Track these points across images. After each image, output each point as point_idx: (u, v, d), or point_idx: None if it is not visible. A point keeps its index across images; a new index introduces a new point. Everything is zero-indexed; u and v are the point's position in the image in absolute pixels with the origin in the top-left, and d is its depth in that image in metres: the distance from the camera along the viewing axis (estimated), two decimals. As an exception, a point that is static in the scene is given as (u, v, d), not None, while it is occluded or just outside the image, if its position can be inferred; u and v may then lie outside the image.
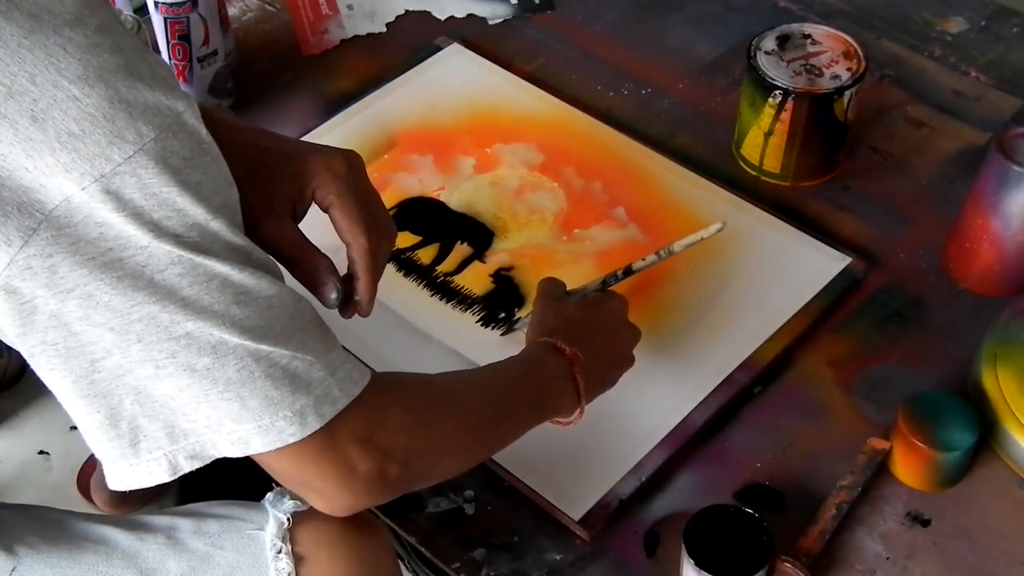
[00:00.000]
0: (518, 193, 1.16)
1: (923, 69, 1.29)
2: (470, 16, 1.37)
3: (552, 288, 0.93)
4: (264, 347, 0.63)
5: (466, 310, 1.05)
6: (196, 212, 0.61)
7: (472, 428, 0.77)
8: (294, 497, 0.77)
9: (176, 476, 0.65)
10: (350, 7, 1.38)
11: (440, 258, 1.10)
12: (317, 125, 1.22)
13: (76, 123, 0.58)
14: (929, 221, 1.13)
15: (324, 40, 1.35)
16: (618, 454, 0.94)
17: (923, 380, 0.99)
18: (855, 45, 1.13)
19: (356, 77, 1.30)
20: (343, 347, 0.70)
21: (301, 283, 0.77)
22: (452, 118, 1.23)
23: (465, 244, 1.11)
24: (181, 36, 1.17)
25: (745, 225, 1.11)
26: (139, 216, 0.59)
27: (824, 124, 1.12)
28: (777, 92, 1.10)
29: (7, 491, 1.18)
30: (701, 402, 0.97)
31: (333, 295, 0.77)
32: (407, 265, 1.09)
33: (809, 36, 1.14)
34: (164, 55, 1.18)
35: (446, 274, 1.09)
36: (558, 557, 0.89)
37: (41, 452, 1.21)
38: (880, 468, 0.93)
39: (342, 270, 0.79)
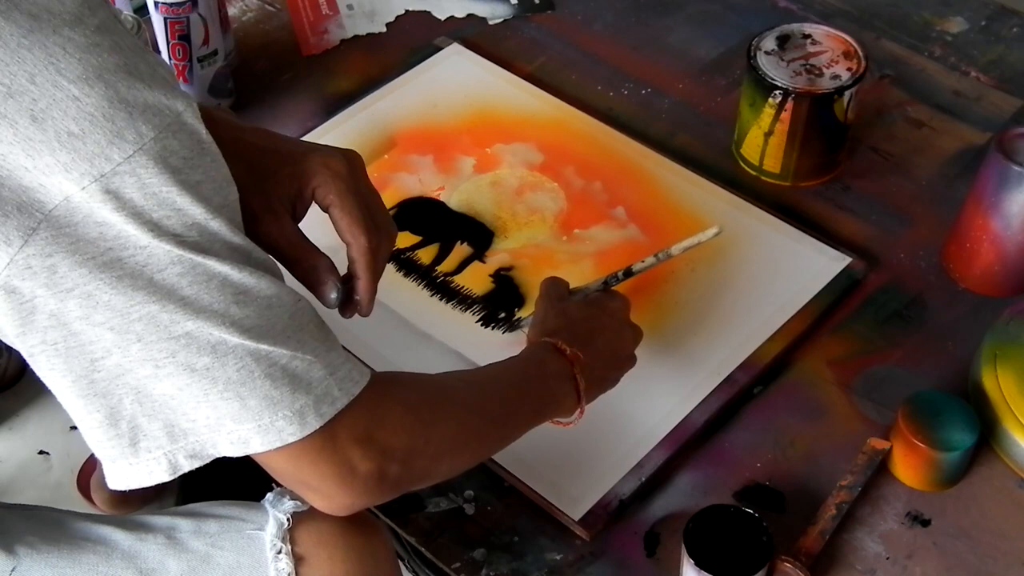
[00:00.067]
0: (518, 193, 1.16)
1: (923, 69, 1.29)
2: (470, 16, 1.37)
3: (554, 288, 0.93)
4: (264, 347, 0.63)
5: (466, 310, 1.05)
6: (196, 212, 0.61)
7: (472, 428, 0.77)
8: (294, 497, 0.77)
9: (176, 475, 0.65)
10: (350, 7, 1.38)
11: (440, 258, 1.10)
12: (317, 125, 1.23)
13: (76, 123, 0.58)
14: (929, 221, 1.13)
15: (324, 40, 1.35)
16: (618, 454, 0.94)
17: (923, 380, 0.99)
18: (855, 45, 1.13)
19: (356, 77, 1.30)
20: (343, 347, 0.70)
21: (301, 283, 0.77)
22: (452, 118, 1.23)
23: (465, 244, 1.11)
24: (181, 36, 1.17)
25: (745, 225, 1.11)
26: (139, 216, 0.59)
27: (824, 124, 1.12)
28: (777, 92, 1.10)
29: (7, 491, 1.18)
30: (701, 402, 0.97)
31: (333, 295, 0.77)
32: (407, 265, 1.09)
33: (809, 36, 1.14)
34: (164, 55, 1.18)
35: (446, 274, 1.09)
36: (558, 557, 0.89)
37: (41, 452, 1.21)
38: (880, 468, 0.93)
39: (342, 270, 0.79)
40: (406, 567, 1.06)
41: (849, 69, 1.11)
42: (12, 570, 0.73)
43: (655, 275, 1.04)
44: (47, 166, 0.57)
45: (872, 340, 1.03)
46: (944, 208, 1.13)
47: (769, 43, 1.13)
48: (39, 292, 0.59)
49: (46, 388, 0.64)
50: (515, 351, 0.86)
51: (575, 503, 0.91)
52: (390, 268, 1.07)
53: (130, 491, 0.66)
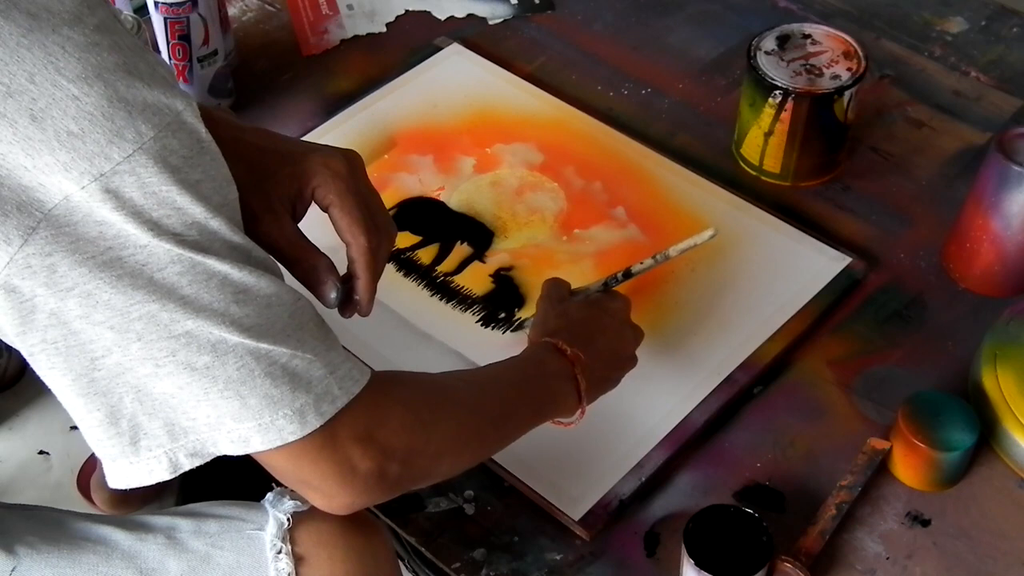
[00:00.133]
0: (518, 193, 1.16)
1: (923, 69, 1.29)
2: (470, 16, 1.37)
3: (556, 289, 0.94)
4: (264, 345, 0.63)
5: (466, 310, 1.05)
6: (195, 211, 0.61)
7: (473, 428, 0.77)
8: (294, 497, 0.77)
9: (176, 474, 0.65)
10: (350, 7, 1.38)
11: (440, 258, 1.10)
12: (317, 125, 1.23)
13: (75, 122, 0.58)
14: (929, 221, 1.13)
15: (324, 40, 1.35)
16: (618, 454, 0.94)
17: (923, 380, 0.99)
18: (855, 45, 1.13)
19: (356, 77, 1.30)
20: (343, 346, 0.70)
21: (301, 282, 0.77)
22: (452, 118, 1.23)
23: (465, 244, 1.11)
24: (181, 36, 1.17)
25: (745, 225, 1.11)
26: (138, 215, 0.59)
27: (824, 124, 1.12)
28: (777, 92, 1.10)
29: (7, 491, 1.18)
30: (701, 402, 0.97)
31: (333, 294, 0.77)
32: (407, 265, 1.09)
33: (809, 36, 1.14)
34: (164, 55, 1.18)
35: (446, 274, 1.09)
36: (558, 557, 0.89)
37: (41, 452, 1.21)
38: (880, 468, 0.93)
39: (342, 270, 0.79)
40: (406, 567, 1.06)
41: (849, 69, 1.11)
42: (12, 570, 0.73)
43: (655, 275, 1.04)
44: (47, 165, 0.57)
45: (872, 340, 1.03)
46: (944, 208, 1.13)
47: (769, 43, 1.13)
48: (39, 291, 0.59)
49: (46, 388, 0.64)
50: (515, 351, 0.86)
51: (575, 503, 0.91)
52: (390, 268, 1.07)
53: (130, 491, 0.66)
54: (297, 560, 0.76)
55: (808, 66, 1.11)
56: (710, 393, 0.98)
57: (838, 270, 1.07)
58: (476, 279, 1.08)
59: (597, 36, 1.35)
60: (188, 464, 0.65)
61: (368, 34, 1.36)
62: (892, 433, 0.93)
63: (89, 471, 1.18)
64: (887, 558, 0.89)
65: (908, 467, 0.92)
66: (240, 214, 0.66)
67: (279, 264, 0.72)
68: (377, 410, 0.69)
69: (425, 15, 1.38)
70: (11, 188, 0.57)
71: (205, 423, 0.64)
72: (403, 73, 1.28)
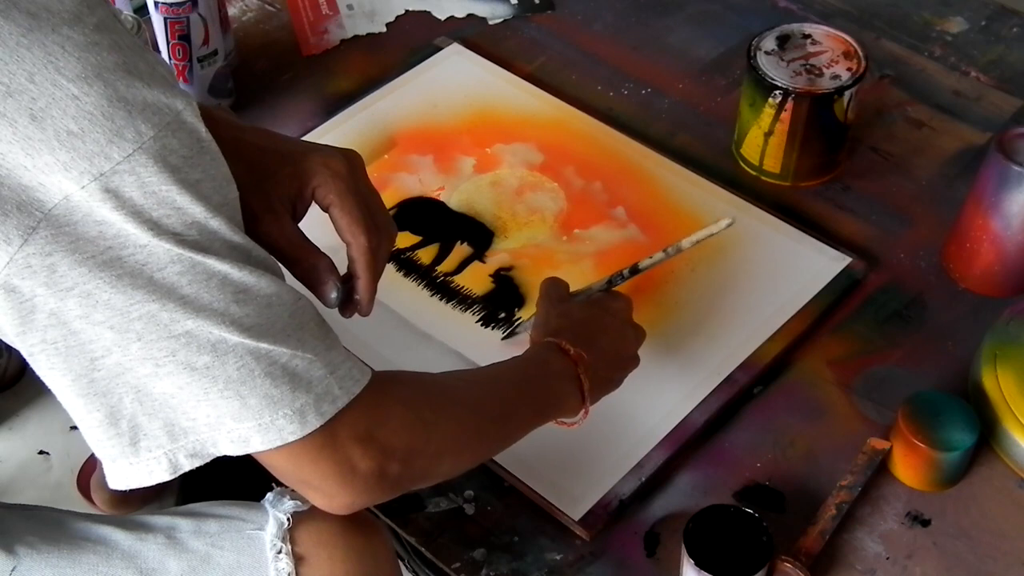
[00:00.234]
0: (518, 193, 1.16)
1: (923, 69, 1.29)
2: (470, 16, 1.37)
3: (555, 289, 0.93)
4: (264, 345, 0.63)
5: (466, 310, 1.05)
6: (195, 210, 0.61)
7: (474, 428, 0.77)
8: (294, 497, 0.77)
9: (176, 475, 0.65)
10: (350, 7, 1.38)
11: (440, 258, 1.10)
12: (317, 125, 1.23)
13: (75, 121, 0.58)
14: (929, 221, 1.13)
15: (324, 40, 1.35)
16: (618, 454, 0.94)
17: (923, 380, 0.99)
18: (855, 45, 1.13)
19: (356, 77, 1.30)
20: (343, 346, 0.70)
21: (301, 282, 0.77)
22: (452, 118, 1.23)
23: (465, 244, 1.11)
24: (181, 36, 1.17)
25: (745, 225, 1.11)
26: (138, 214, 0.59)
27: (824, 124, 1.12)
28: (777, 92, 1.10)
29: (7, 491, 1.17)
30: (701, 402, 0.97)
31: (333, 294, 0.77)
32: (407, 265, 1.09)
33: (809, 36, 1.14)
34: (164, 55, 1.18)
35: (446, 274, 1.09)
36: (558, 557, 0.89)
37: (41, 452, 1.21)
38: (880, 468, 0.93)
39: (342, 269, 0.79)
40: (406, 567, 1.06)
41: (849, 69, 1.11)
42: (12, 570, 0.73)
43: (655, 275, 1.04)
44: (46, 165, 0.57)
45: (872, 340, 1.03)
46: (944, 208, 1.13)
47: (769, 43, 1.13)
48: (39, 291, 0.59)
49: (46, 388, 0.64)
50: (515, 352, 0.86)
51: (575, 503, 0.91)
52: (390, 268, 1.07)
53: (130, 491, 0.66)
54: (297, 560, 0.76)
55: (808, 66, 1.11)
56: (710, 393, 0.98)
57: (838, 270, 1.07)
58: (476, 279, 1.08)
59: (597, 36, 1.35)
60: (188, 465, 0.65)
61: (368, 34, 1.36)
62: (892, 433, 0.93)
63: (89, 471, 1.18)
64: (887, 558, 0.88)
65: (908, 467, 0.92)
66: (240, 214, 0.66)
67: (279, 264, 0.72)
68: (377, 410, 0.69)
69: (425, 15, 1.38)
70: (11, 188, 0.57)
71: (205, 423, 0.64)
72: (403, 73, 1.28)
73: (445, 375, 0.80)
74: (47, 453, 1.21)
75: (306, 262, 0.77)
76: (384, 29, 1.36)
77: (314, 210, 0.80)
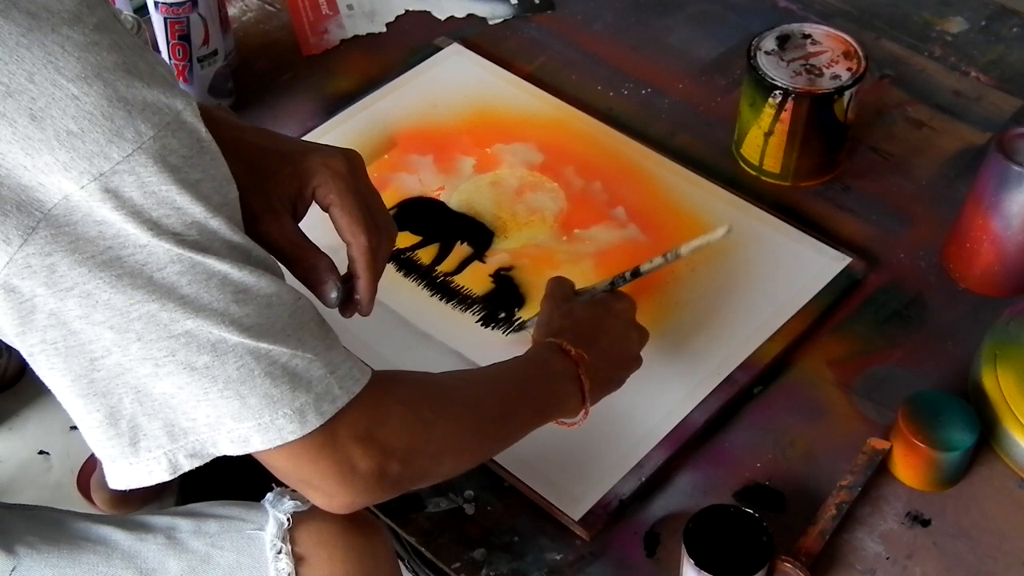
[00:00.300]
0: (518, 193, 1.16)
1: (923, 69, 1.29)
2: (470, 16, 1.37)
3: (560, 289, 0.93)
4: (264, 345, 0.63)
5: (466, 310, 1.05)
6: (195, 210, 0.61)
7: (474, 427, 0.77)
8: (294, 497, 0.77)
9: (176, 475, 0.65)
10: (350, 7, 1.38)
11: (440, 258, 1.10)
12: (317, 125, 1.23)
13: (75, 121, 0.58)
14: (929, 221, 1.13)
15: (324, 40, 1.35)
16: (618, 454, 0.94)
17: (923, 380, 0.99)
18: (855, 45, 1.13)
19: (356, 77, 1.30)
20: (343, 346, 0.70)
21: (301, 282, 0.77)
22: (452, 118, 1.23)
23: (465, 244, 1.11)
24: (181, 36, 1.17)
25: (745, 225, 1.11)
26: (138, 214, 0.59)
27: (824, 124, 1.12)
28: (777, 92, 1.10)
29: (7, 491, 1.18)
30: (701, 402, 0.97)
31: (333, 294, 0.77)
32: (407, 265, 1.09)
33: (809, 36, 1.14)
34: (164, 55, 1.18)
35: (446, 274, 1.09)
36: (558, 557, 0.89)
37: (41, 452, 1.21)
38: (880, 468, 0.93)
39: (342, 270, 0.79)
40: (406, 567, 1.06)
41: (849, 69, 1.11)
42: (12, 570, 0.73)
43: (655, 275, 1.03)
44: (46, 165, 0.57)
45: (872, 340, 1.03)
46: (944, 208, 1.12)
47: (769, 43, 1.13)
48: (38, 291, 0.59)
49: (46, 388, 0.64)
50: (515, 351, 0.86)
51: (575, 503, 0.91)
52: (390, 268, 1.07)
53: (130, 491, 0.66)
54: (297, 560, 0.76)
55: (808, 66, 1.11)
56: (710, 393, 0.98)
57: (838, 270, 1.07)
58: (476, 279, 1.08)
59: (597, 36, 1.35)
60: (188, 465, 0.65)
61: (368, 34, 1.36)
62: (892, 433, 0.93)
63: (89, 471, 1.18)
64: (887, 558, 0.88)
65: (908, 467, 0.92)
66: (240, 213, 0.66)
67: (279, 264, 0.72)
68: (378, 409, 0.69)
69: (425, 15, 1.38)
70: (11, 188, 0.57)
71: (205, 423, 0.64)
72: (403, 73, 1.28)
73: (445, 375, 0.80)
74: (47, 453, 1.21)
75: (306, 262, 0.77)
76: (384, 29, 1.36)
77: (314, 210, 0.80)
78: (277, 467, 0.68)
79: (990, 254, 1.03)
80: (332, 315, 0.76)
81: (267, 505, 0.78)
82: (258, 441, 0.64)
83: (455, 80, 1.27)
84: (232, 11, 1.36)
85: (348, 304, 0.80)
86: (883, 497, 0.92)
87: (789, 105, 1.10)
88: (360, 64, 1.32)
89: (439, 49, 1.31)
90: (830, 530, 0.88)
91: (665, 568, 0.88)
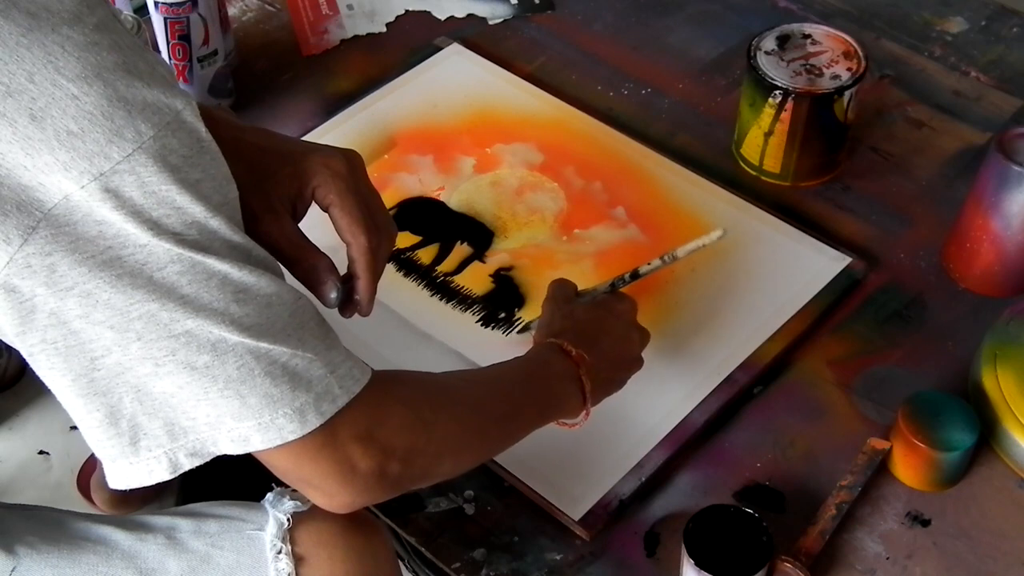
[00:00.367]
0: (518, 193, 1.16)
1: (923, 69, 1.29)
2: (470, 16, 1.37)
3: (561, 290, 0.94)
4: (264, 345, 0.63)
5: (466, 310, 1.05)
6: (195, 210, 0.61)
7: (475, 428, 0.77)
8: (294, 497, 0.77)
9: (176, 474, 0.65)
10: (350, 7, 1.38)
11: (440, 258, 1.10)
12: (317, 125, 1.23)
13: (75, 121, 0.58)
14: (929, 221, 1.13)
15: (324, 40, 1.35)
16: (618, 454, 0.94)
17: (923, 380, 0.99)
18: (855, 45, 1.13)
19: (356, 77, 1.30)
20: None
21: (301, 282, 0.77)
22: (452, 118, 1.23)
23: (465, 244, 1.11)
24: (181, 36, 1.17)
25: (745, 225, 1.11)
26: (138, 214, 0.59)
27: (824, 124, 1.12)
28: (777, 92, 1.10)
29: (7, 491, 1.17)
30: (701, 402, 0.97)
31: (333, 294, 0.77)
32: (407, 265, 1.09)
33: (809, 36, 1.14)
34: (164, 55, 1.18)
35: (446, 274, 1.09)
36: (558, 557, 0.89)
37: (41, 452, 1.21)
38: (880, 468, 0.93)
39: (342, 270, 0.79)
40: (406, 567, 1.06)
41: (849, 69, 1.11)
42: (12, 570, 0.73)
43: (656, 276, 1.03)
44: (46, 165, 0.57)
45: (872, 340, 1.03)
46: (944, 208, 1.13)
47: (769, 43, 1.13)
48: (39, 291, 0.59)
49: (46, 388, 0.64)
50: (515, 351, 0.86)
51: (575, 503, 0.91)
52: (390, 268, 1.07)
53: (130, 491, 0.66)
54: (297, 560, 0.76)
55: (808, 66, 1.11)
56: (710, 393, 0.98)
57: (838, 270, 1.07)
58: (476, 279, 1.08)
59: (597, 36, 1.35)
60: (188, 464, 0.65)
61: (368, 34, 1.36)
62: (892, 433, 0.93)
63: (89, 471, 1.18)
64: (887, 558, 0.88)
65: (908, 467, 0.92)
66: (240, 213, 0.66)
67: (279, 264, 0.72)
68: (378, 409, 0.69)
69: (425, 15, 1.38)
70: (11, 187, 0.57)
71: (205, 422, 0.64)
72: (403, 73, 1.28)
73: (446, 375, 0.80)
74: (47, 453, 1.21)
75: (306, 262, 0.77)
76: (384, 29, 1.36)
77: (314, 210, 0.80)
78: (277, 466, 0.68)
79: (990, 254, 1.03)
80: (332, 315, 0.76)
81: (267, 505, 0.78)
82: (258, 440, 0.64)
83: (455, 80, 1.27)
84: (232, 11, 1.36)
85: (348, 304, 0.80)
86: (883, 497, 0.92)
87: (789, 105, 1.10)
88: (360, 64, 1.32)
89: (439, 49, 1.31)
90: (830, 530, 0.88)
91: (665, 568, 0.88)
